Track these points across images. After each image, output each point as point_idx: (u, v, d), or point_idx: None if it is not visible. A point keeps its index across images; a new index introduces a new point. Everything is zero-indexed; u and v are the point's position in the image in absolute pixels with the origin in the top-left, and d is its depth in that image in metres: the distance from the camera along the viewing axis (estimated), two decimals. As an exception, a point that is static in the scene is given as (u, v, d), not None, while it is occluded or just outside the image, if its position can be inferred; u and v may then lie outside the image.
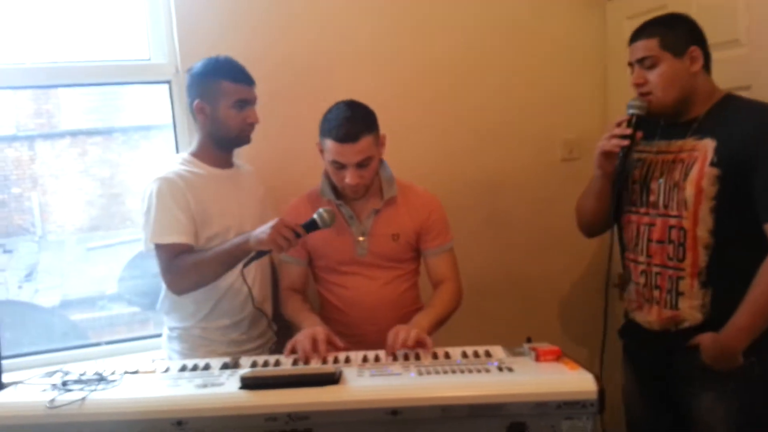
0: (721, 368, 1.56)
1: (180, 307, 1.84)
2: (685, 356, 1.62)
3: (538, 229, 2.52)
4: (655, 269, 1.68)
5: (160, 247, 1.73)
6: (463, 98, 2.41)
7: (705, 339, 1.58)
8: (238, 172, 1.92)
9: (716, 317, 1.58)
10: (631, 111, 1.66)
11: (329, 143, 1.71)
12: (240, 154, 1.97)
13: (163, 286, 1.81)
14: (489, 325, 2.18)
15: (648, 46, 1.63)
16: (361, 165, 1.72)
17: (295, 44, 2.21)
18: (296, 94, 2.21)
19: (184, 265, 1.71)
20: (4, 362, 1.85)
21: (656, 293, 1.69)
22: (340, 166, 1.73)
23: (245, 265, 1.70)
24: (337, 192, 1.83)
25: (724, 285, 1.58)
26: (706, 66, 1.65)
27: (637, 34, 1.67)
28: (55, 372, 1.51)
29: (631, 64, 1.69)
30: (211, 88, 1.78)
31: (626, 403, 1.88)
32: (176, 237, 1.72)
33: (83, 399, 1.34)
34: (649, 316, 1.71)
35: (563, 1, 2.48)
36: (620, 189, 1.76)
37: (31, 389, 1.41)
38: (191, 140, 1.98)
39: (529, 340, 1.59)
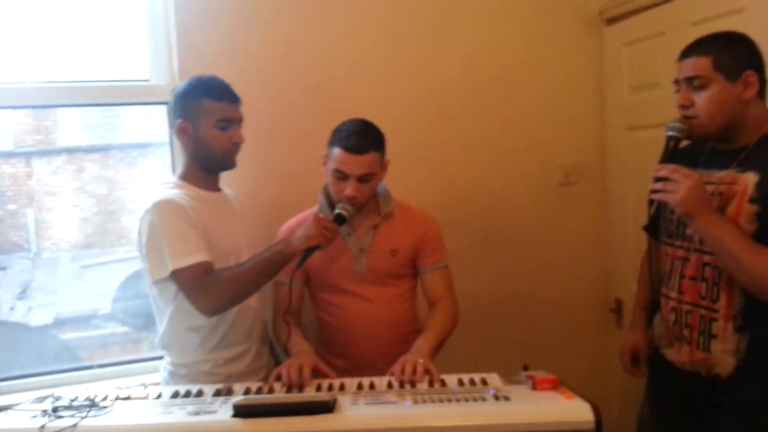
0: None
1: (185, 340, 1.74)
2: (716, 411, 1.54)
3: (536, 252, 2.52)
4: (686, 307, 1.59)
5: (181, 272, 1.61)
6: (462, 122, 2.42)
7: None
8: (225, 197, 1.87)
9: (751, 365, 1.48)
10: (670, 133, 1.53)
11: (337, 151, 1.73)
12: (231, 175, 1.91)
13: (164, 320, 1.74)
14: (486, 347, 2.18)
15: (699, 65, 1.48)
16: (362, 179, 1.74)
17: (296, 65, 2.22)
18: (297, 114, 2.21)
19: (220, 282, 1.62)
20: (-5, 385, 1.84)
21: (686, 332, 1.59)
22: (342, 176, 1.74)
23: (298, 267, 1.69)
24: None
25: (762, 331, 1.48)
26: (761, 92, 1.50)
27: (690, 51, 1.52)
28: (46, 397, 1.48)
29: (677, 82, 1.55)
30: (193, 107, 1.72)
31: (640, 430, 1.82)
32: (198, 256, 1.62)
33: (74, 426, 1.32)
34: (681, 356, 1.61)
35: (562, 25, 2.50)
36: (657, 213, 1.68)
37: (21, 415, 1.39)
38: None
39: (525, 368, 1.58)
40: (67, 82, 2.15)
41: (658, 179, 1.48)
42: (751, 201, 1.45)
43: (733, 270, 1.46)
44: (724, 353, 1.52)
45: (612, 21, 2.46)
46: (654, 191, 1.49)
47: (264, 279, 1.68)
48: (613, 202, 2.54)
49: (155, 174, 2.40)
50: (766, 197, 1.43)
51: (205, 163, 1.77)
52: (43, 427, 1.32)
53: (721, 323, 1.52)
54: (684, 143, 1.56)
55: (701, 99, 1.49)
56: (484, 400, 1.42)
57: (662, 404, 1.73)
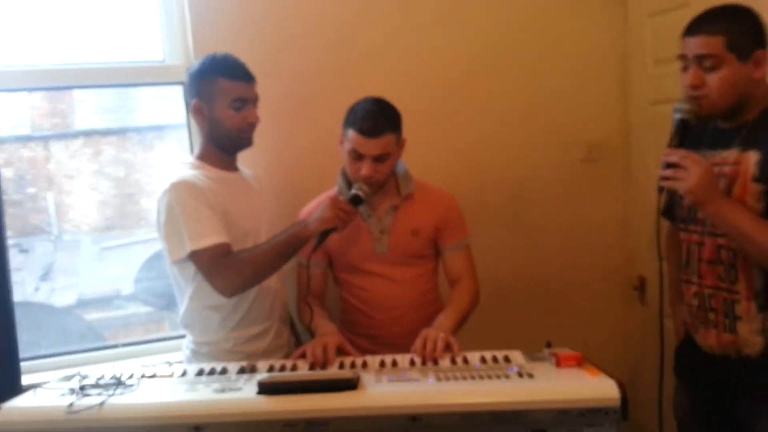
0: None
1: (206, 319, 1.76)
2: (749, 391, 1.53)
3: (559, 230, 2.49)
4: (708, 291, 1.57)
5: (200, 253, 1.61)
6: (481, 97, 2.38)
7: None
8: (243, 177, 1.87)
9: None
10: (679, 116, 1.50)
11: (351, 133, 1.72)
12: (251, 156, 1.93)
13: (185, 300, 1.75)
14: (508, 327, 2.16)
15: (712, 43, 1.43)
16: (378, 159, 1.72)
17: (313, 43, 2.20)
18: (312, 94, 2.20)
19: (238, 263, 1.63)
20: (23, 364, 1.87)
21: (711, 316, 1.57)
22: (357, 156, 1.73)
23: (314, 249, 1.70)
24: None
25: None
26: None
27: (698, 27, 1.46)
28: (72, 376, 1.51)
29: (683, 57, 1.50)
30: (207, 87, 1.71)
31: (679, 419, 1.79)
32: (216, 237, 1.62)
33: (101, 404, 1.34)
34: (708, 340, 1.60)
35: (584, -2, 2.44)
36: (670, 198, 1.67)
37: (50, 394, 1.41)
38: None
39: (549, 345, 1.57)
40: (82, 63, 2.15)
41: (668, 165, 1.45)
42: (755, 180, 1.45)
43: (749, 251, 1.45)
44: (751, 334, 1.51)
45: (635, -8, 2.41)
46: (664, 178, 1.46)
47: (281, 261, 1.68)
48: (636, 177, 2.49)
49: (172, 156, 2.40)
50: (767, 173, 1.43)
51: (221, 143, 1.77)
52: (71, 405, 1.33)
53: (743, 304, 1.51)
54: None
55: (713, 79, 1.45)
56: (507, 377, 1.41)
57: (695, 392, 1.71)
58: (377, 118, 1.71)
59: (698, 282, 1.61)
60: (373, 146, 1.71)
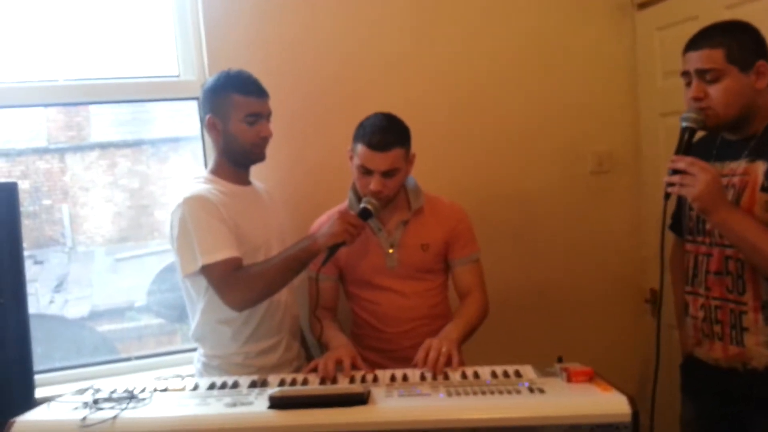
0: None
1: (217, 333, 1.77)
2: (756, 404, 1.52)
3: (569, 242, 2.49)
4: (714, 302, 1.57)
5: (211, 267, 1.63)
6: (491, 109, 2.39)
7: None
8: (255, 191, 1.88)
9: None
10: (685, 124, 1.51)
11: (360, 148, 1.73)
12: (264, 170, 1.94)
13: (197, 313, 1.77)
14: (518, 340, 2.16)
15: (712, 57, 1.46)
16: (387, 174, 1.73)
17: (323, 60, 2.22)
18: (324, 109, 2.22)
19: (248, 278, 1.64)
20: (37, 377, 1.89)
21: (717, 328, 1.57)
22: (366, 172, 1.74)
23: (324, 263, 1.71)
24: None
25: None
26: None
27: (698, 42, 1.50)
28: (86, 389, 1.52)
29: (686, 74, 1.53)
30: (221, 102, 1.74)
31: None
32: (227, 252, 1.64)
33: (114, 417, 1.35)
34: (713, 353, 1.59)
35: (592, 10, 2.46)
36: (678, 210, 1.67)
37: (63, 407, 1.42)
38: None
39: (560, 360, 1.56)
40: (98, 79, 2.18)
41: (675, 172, 1.45)
42: (763, 189, 1.45)
43: (757, 262, 1.45)
44: (758, 346, 1.50)
45: (644, 5, 2.41)
46: (671, 184, 1.46)
47: (291, 275, 1.69)
48: (647, 189, 2.49)
49: (186, 168, 2.43)
50: None
51: (235, 158, 1.79)
52: (84, 418, 1.35)
53: (751, 315, 1.51)
54: (698, 134, 1.53)
55: (716, 91, 1.47)
56: (518, 392, 1.40)
57: (702, 405, 1.69)
58: (385, 133, 1.72)
59: (705, 294, 1.60)
60: (381, 161, 1.71)
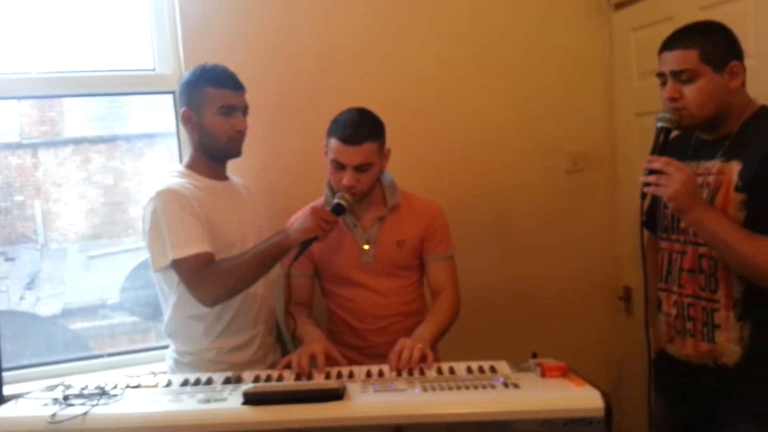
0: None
1: (189, 328, 1.75)
2: (726, 399, 1.54)
3: (545, 241, 2.51)
4: (687, 300, 1.60)
5: (181, 262, 1.62)
6: (467, 108, 2.40)
7: None
8: (232, 186, 1.87)
9: (756, 352, 1.49)
10: (661, 124, 1.53)
11: (333, 142, 1.73)
12: (242, 165, 1.94)
13: (169, 309, 1.75)
14: (495, 338, 2.18)
15: (687, 57, 1.48)
16: (360, 169, 1.72)
17: (300, 55, 2.21)
18: (302, 104, 2.21)
19: (219, 273, 1.62)
20: (6, 374, 1.85)
21: (689, 325, 1.59)
22: (339, 166, 1.73)
23: (295, 259, 1.69)
24: None
25: (764, 318, 1.48)
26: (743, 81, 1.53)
27: (673, 43, 1.52)
28: (56, 386, 1.49)
29: (661, 75, 1.55)
30: (196, 95, 1.73)
31: (657, 429, 1.79)
32: (198, 247, 1.62)
33: (85, 414, 1.33)
34: (685, 349, 1.61)
35: (568, 11, 2.48)
36: (652, 207, 1.69)
37: (32, 404, 1.40)
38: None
39: (534, 356, 1.58)
40: (72, 72, 2.15)
41: (651, 172, 1.47)
42: (737, 190, 1.47)
43: (730, 261, 1.47)
44: (728, 342, 1.52)
45: (620, 6, 2.44)
46: (647, 184, 1.49)
47: (263, 270, 1.68)
48: (622, 188, 2.52)
49: (161, 164, 2.40)
50: (750, 185, 1.44)
51: (210, 152, 1.77)
52: (54, 415, 1.32)
53: (722, 313, 1.53)
54: (673, 133, 1.56)
55: (690, 91, 1.49)
56: (493, 387, 1.41)
57: (673, 400, 1.72)
58: (358, 127, 1.71)
59: (678, 291, 1.63)
60: (353, 155, 1.71)
